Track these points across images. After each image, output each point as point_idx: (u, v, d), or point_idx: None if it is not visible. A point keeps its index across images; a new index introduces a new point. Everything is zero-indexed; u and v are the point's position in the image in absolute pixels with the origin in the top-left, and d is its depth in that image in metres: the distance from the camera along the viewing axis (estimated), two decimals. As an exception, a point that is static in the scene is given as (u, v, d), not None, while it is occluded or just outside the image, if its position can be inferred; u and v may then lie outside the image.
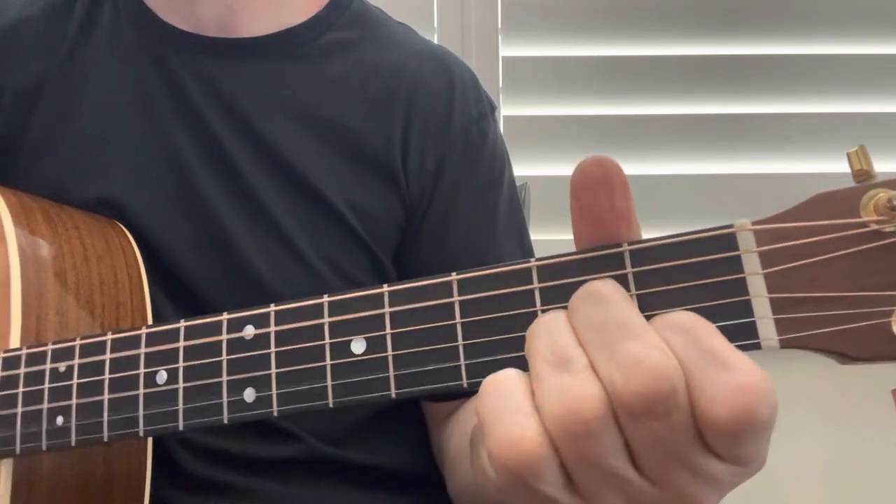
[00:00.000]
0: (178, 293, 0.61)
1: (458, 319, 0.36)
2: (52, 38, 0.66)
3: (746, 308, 0.31)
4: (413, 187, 0.65)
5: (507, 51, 1.16)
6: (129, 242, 0.62)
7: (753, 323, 0.31)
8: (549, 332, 0.31)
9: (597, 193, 0.32)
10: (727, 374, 0.28)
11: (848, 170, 1.02)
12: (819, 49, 1.15)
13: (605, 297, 0.30)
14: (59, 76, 0.65)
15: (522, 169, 0.96)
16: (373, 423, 0.64)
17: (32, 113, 0.64)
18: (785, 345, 0.31)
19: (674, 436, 0.29)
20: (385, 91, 0.66)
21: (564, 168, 1.15)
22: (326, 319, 0.39)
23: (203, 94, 0.63)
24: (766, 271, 0.31)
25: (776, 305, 0.31)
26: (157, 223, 0.61)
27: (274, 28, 0.66)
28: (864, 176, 0.33)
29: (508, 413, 0.29)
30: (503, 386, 0.30)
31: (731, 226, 0.32)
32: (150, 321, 0.59)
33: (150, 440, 0.55)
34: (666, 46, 1.16)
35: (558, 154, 1.14)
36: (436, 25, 1.17)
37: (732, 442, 0.28)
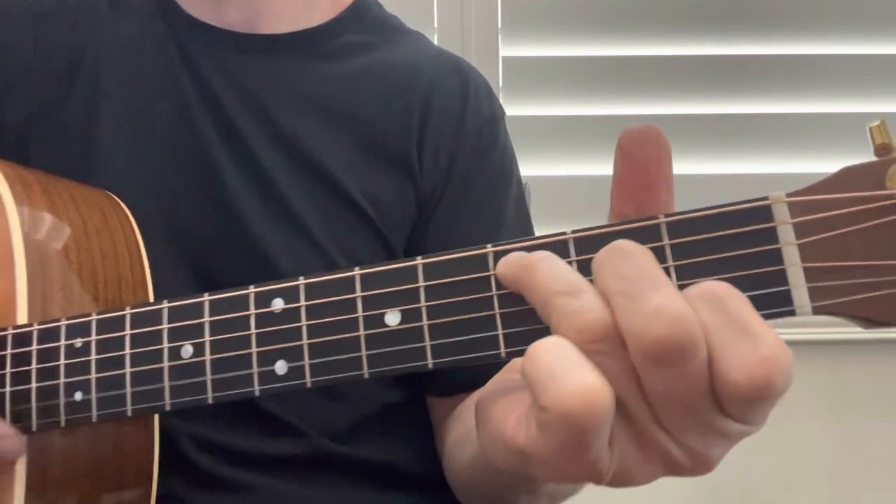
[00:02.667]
0: (200, 280, 0.62)
1: (494, 291, 0.37)
2: (84, 17, 0.67)
3: (782, 277, 0.33)
4: (426, 182, 0.67)
5: (507, 51, 1.18)
6: (126, 215, 0.61)
7: (788, 291, 0.33)
8: (551, 267, 0.33)
9: (644, 145, 0.34)
10: (752, 344, 0.30)
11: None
12: (819, 49, 1.17)
13: (631, 252, 0.32)
14: (91, 58, 0.66)
15: (522, 169, 0.97)
16: (381, 421, 0.65)
17: (68, 91, 0.65)
18: (818, 311, 0.33)
19: (688, 389, 0.30)
20: (402, 89, 0.68)
21: (565, 168, 1.17)
22: (359, 293, 0.39)
23: (225, 87, 0.65)
24: (799, 242, 0.33)
25: (810, 274, 0.33)
26: (178, 208, 0.63)
27: (296, 27, 0.69)
28: (885, 150, 0.34)
29: (567, 367, 0.30)
30: (552, 346, 0.31)
31: (766, 198, 0.34)
32: (150, 295, 0.58)
33: (157, 430, 0.55)
34: (666, 46, 1.17)
35: (558, 154, 1.15)
36: (436, 25, 1.18)
37: (745, 406, 0.30)
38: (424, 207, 0.67)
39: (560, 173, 1.16)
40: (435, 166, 0.67)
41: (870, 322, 0.33)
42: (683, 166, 1.17)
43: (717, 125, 1.17)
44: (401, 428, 0.66)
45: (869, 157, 0.34)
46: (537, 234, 0.73)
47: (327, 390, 0.62)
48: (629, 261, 0.32)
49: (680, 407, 0.31)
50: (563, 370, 0.30)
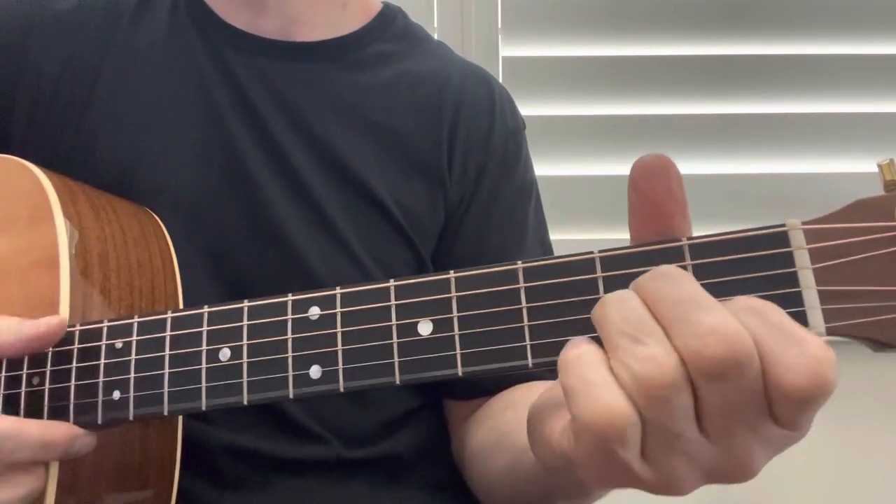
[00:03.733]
0: (231, 282, 0.63)
1: (523, 304, 0.39)
2: (108, 24, 0.68)
3: (797, 299, 0.35)
4: (455, 191, 0.69)
5: (507, 51, 1.18)
6: (161, 229, 0.63)
7: (804, 312, 0.35)
8: (621, 306, 0.34)
9: (654, 178, 0.36)
10: (801, 346, 0.31)
11: (847, 170, 1.08)
12: (820, 49, 1.16)
13: (675, 276, 0.33)
14: (115, 65, 0.66)
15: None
16: (401, 425, 0.67)
17: (92, 93, 0.65)
18: (831, 332, 0.35)
19: (743, 399, 0.32)
20: (433, 99, 0.70)
21: (564, 168, 1.17)
22: (393, 302, 0.42)
23: (259, 91, 0.66)
24: (815, 266, 0.35)
25: (824, 297, 0.35)
26: (214, 213, 0.64)
27: (328, 35, 0.70)
28: (893, 186, 0.37)
29: (597, 384, 0.32)
30: (586, 359, 0.33)
31: (783, 225, 0.36)
32: (181, 304, 0.60)
33: (180, 431, 0.56)
34: (666, 46, 1.17)
35: (558, 154, 1.16)
36: (436, 25, 1.18)
37: (800, 407, 0.31)
38: (452, 216, 0.70)
39: (560, 173, 1.16)
40: (464, 176, 0.69)
41: (879, 344, 0.35)
42: (683, 166, 1.17)
43: (718, 125, 1.17)
44: (419, 431, 0.68)
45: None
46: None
47: (352, 397, 0.64)
48: (676, 285, 0.33)
49: (732, 417, 0.32)
50: (590, 385, 0.32)
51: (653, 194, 0.37)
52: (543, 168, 1.13)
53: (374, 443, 0.66)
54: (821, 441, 1.17)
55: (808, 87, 1.18)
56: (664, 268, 0.34)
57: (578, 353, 0.33)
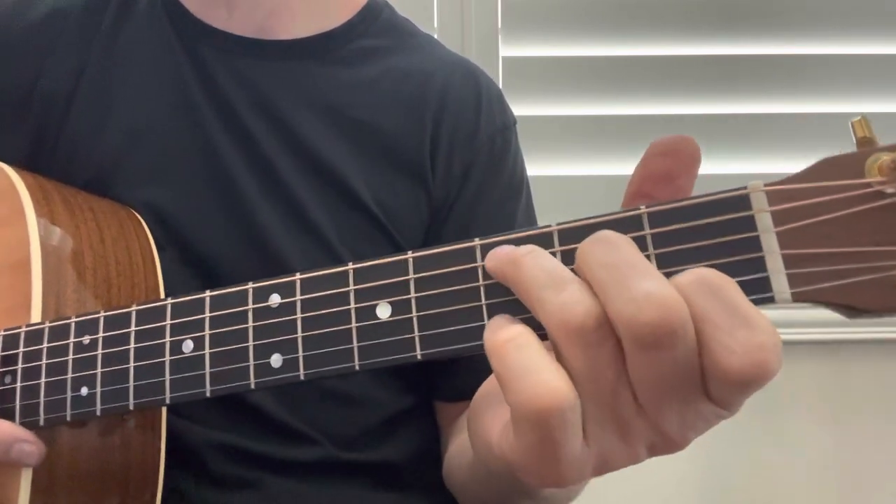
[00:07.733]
0: (211, 284, 0.62)
1: (481, 282, 0.38)
2: (88, 29, 0.67)
3: (760, 264, 0.33)
4: (439, 190, 0.67)
5: (507, 51, 1.18)
6: (142, 226, 0.63)
7: (767, 278, 0.33)
8: (536, 259, 0.34)
9: (664, 155, 0.35)
10: (748, 330, 0.30)
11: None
12: (819, 49, 1.17)
13: (614, 241, 0.32)
14: (97, 69, 0.66)
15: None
16: (391, 427, 0.65)
17: (71, 105, 0.65)
18: (797, 298, 0.33)
19: (676, 371, 0.31)
20: (416, 96, 0.68)
21: (564, 168, 1.17)
22: (352, 287, 0.40)
23: (238, 92, 0.65)
24: (778, 229, 0.33)
25: (788, 261, 0.33)
26: (192, 215, 0.63)
27: (309, 32, 0.69)
28: (867, 143, 0.35)
29: (536, 369, 0.31)
30: (519, 343, 0.32)
31: (744, 187, 0.34)
32: (162, 303, 0.60)
33: (164, 432, 0.56)
34: (666, 46, 1.17)
35: (558, 154, 1.15)
36: (436, 25, 1.18)
37: (737, 390, 0.31)
38: (437, 215, 0.68)
39: (559, 173, 1.16)
40: (448, 175, 0.68)
41: (851, 309, 0.33)
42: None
43: (718, 125, 1.16)
44: (410, 433, 0.66)
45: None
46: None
47: (337, 397, 0.63)
48: (614, 250, 0.32)
49: (665, 391, 0.31)
50: (528, 370, 0.31)
51: (660, 171, 0.36)
52: (543, 168, 1.13)
53: (367, 445, 0.64)
54: (822, 441, 1.17)
55: (810, 88, 1.17)
56: (603, 232, 0.33)
57: (508, 338, 0.32)
